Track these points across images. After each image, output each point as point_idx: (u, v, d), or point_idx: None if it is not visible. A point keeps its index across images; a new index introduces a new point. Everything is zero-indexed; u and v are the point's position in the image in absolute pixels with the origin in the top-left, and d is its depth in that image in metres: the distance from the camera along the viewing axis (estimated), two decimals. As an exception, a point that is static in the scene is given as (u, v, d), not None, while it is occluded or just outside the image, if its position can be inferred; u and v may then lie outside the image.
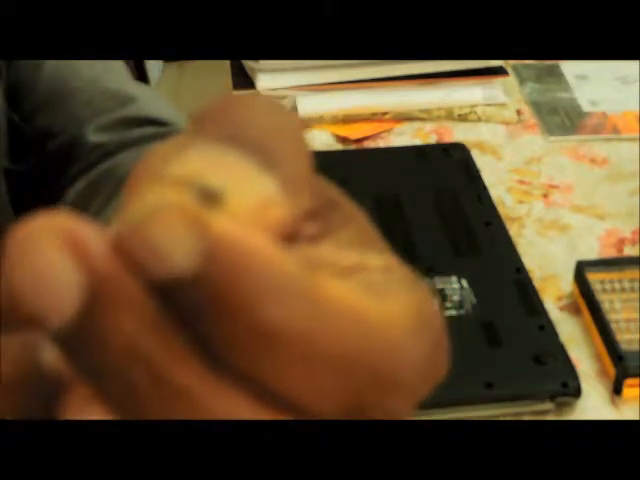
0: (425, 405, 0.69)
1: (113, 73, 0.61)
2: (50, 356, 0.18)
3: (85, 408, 0.17)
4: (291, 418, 0.18)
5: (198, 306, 0.16)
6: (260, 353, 0.16)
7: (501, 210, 0.83)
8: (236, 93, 1.00)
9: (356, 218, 0.23)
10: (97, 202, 0.48)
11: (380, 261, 0.21)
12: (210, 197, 0.17)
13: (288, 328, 0.16)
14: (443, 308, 0.69)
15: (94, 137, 0.55)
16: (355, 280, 0.18)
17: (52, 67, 0.59)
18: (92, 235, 0.16)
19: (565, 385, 0.64)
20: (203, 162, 0.18)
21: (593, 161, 0.93)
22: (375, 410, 0.19)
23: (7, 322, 0.17)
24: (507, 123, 1.00)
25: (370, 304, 0.18)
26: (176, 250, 0.16)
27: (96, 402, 0.17)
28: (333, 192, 0.23)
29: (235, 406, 0.17)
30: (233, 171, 0.18)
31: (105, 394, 0.17)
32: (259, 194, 0.18)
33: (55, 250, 0.16)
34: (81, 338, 0.16)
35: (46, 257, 0.16)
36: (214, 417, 0.17)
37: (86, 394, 0.17)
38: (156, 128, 0.56)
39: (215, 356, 0.17)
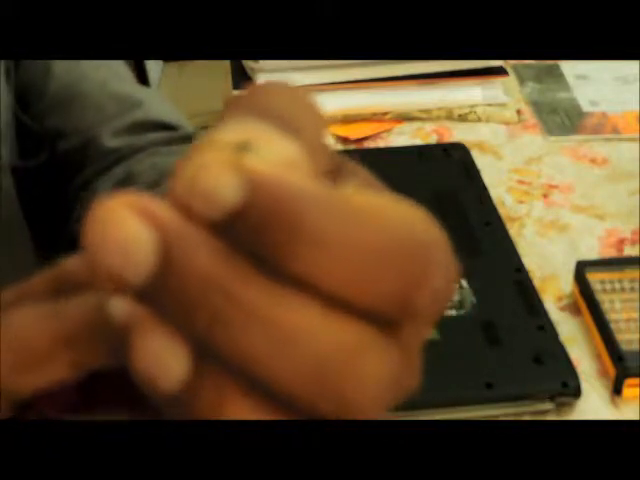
0: (425, 405, 0.69)
1: (119, 77, 0.62)
2: (118, 308, 0.21)
3: (167, 345, 0.20)
4: (348, 316, 0.20)
5: (253, 232, 0.19)
6: (313, 260, 0.19)
7: (501, 210, 0.83)
8: (236, 92, 1.00)
9: (362, 175, 0.26)
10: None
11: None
12: (245, 148, 0.20)
13: (332, 234, 0.19)
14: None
15: (109, 141, 0.57)
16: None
17: (61, 70, 0.60)
18: (156, 201, 0.20)
19: (565, 385, 0.63)
20: (237, 130, 0.21)
21: (593, 161, 0.93)
22: (423, 292, 0.20)
23: (96, 284, 0.20)
24: (507, 123, 1.00)
25: (393, 205, 0.21)
26: (223, 190, 0.19)
27: (177, 338, 0.20)
28: (338, 155, 0.26)
29: (302, 313, 0.19)
30: (263, 135, 0.21)
31: (188, 329, 0.20)
32: (285, 151, 0.21)
33: (130, 219, 0.19)
34: (162, 285, 0.19)
35: (125, 225, 0.19)
36: (286, 328, 0.19)
37: (164, 334, 0.20)
38: (165, 132, 0.58)
39: (276, 272, 0.19)
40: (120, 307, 0.22)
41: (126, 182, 0.51)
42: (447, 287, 0.21)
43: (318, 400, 0.21)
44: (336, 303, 0.20)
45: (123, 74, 0.63)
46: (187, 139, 0.57)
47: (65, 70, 0.60)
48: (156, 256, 0.19)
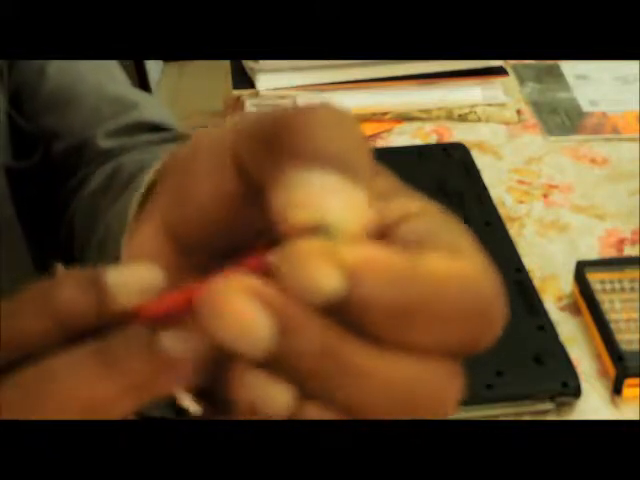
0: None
1: (114, 79, 0.62)
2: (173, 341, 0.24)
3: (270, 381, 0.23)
4: (426, 360, 0.23)
5: (355, 313, 0.22)
6: (408, 328, 0.22)
7: (501, 210, 0.83)
8: (236, 92, 1.00)
9: (380, 171, 0.28)
10: (106, 201, 0.49)
11: (416, 205, 0.26)
12: (332, 233, 0.22)
13: (416, 304, 0.22)
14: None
15: (103, 143, 0.57)
16: (427, 239, 0.24)
17: (56, 71, 0.60)
18: (268, 287, 0.22)
19: (565, 385, 0.63)
20: (312, 195, 0.22)
21: (593, 161, 0.93)
22: (490, 335, 0.25)
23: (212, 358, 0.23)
24: (507, 123, 1.00)
25: (463, 265, 0.23)
26: (325, 283, 0.22)
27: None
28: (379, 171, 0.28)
29: (395, 368, 0.23)
30: (337, 196, 0.23)
31: (304, 390, 0.23)
32: (361, 210, 0.23)
33: (248, 304, 0.22)
34: (275, 358, 0.22)
35: (243, 307, 0.22)
36: (385, 382, 0.23)
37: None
38: (158, 134, 0.57)
39: (374, 338, 0.22)
40: (173, 340, 0.24)
41: (113, 177, 0.50)
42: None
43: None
44: (426, 354, 0.23)
45: (118, 76, 0.63)
46: (178, 139, 0.56)
47: (59, 71, 0.60)
48: (271, 337, 0.22)
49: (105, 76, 0.61)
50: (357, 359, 0.23)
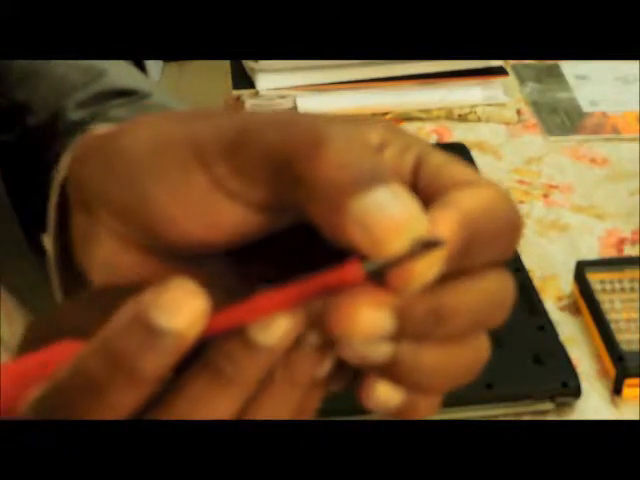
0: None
1: None
2: None
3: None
4: (494, 271, 0.28)
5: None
6: (482, 256, 0.27)
7: (501, 210, 0.83)
8: (236, 92, 1.00)
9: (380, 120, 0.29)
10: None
11: (418, 147, 0.28)
12: (418, 239, 0.25)
13: (482, 236, 0.27)
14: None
15: (74, 114, 0.55)
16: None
17: None
18: (390, 296, 0.25)
19: (565, 385, 0.63)
20: (388, 217, 0.25)
21: (593, 161, 0.93)
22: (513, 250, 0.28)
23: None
24: (507, 123, 1.00)
25: (487, 192, 0.27)
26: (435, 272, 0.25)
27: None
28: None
29: (481, 286, 0.28)
30: (402, 207, 0.25)
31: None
32: (417, 205, 0.25)
33: (378, 313, 0.25)
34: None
35: (375, 319, 0.25)
36: (483, 294, 0.28)
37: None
38: (127, 98, 0.55)
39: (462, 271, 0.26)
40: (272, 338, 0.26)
41: None
42: None
43: None
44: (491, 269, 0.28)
45: None
46: (144, 98, 0.55)
47: None
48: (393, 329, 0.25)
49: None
50: (454, 299, 0.26)
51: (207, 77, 2.06)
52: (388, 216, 0.24)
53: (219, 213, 0.27)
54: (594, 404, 0.65)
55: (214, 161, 0.26)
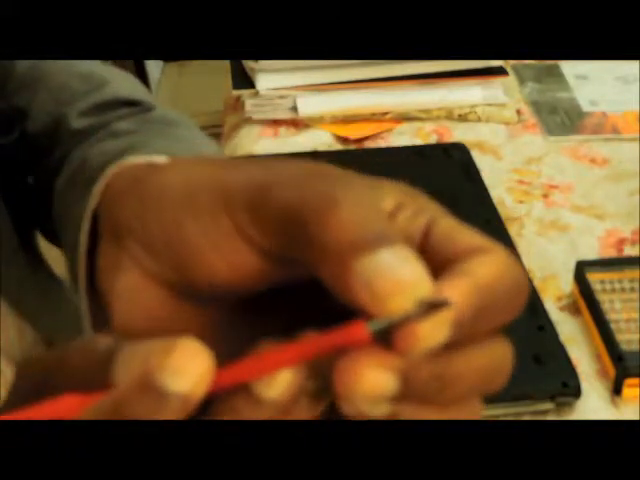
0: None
1: None
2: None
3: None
4: (495, 342, 0.30)
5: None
6: (485, 326, 0.29)
7: (501, 210, 0.83)
8: (236, 92, 1.00)
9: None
10: (74, 196, 0.47)
11: (429, 212, 0.29)
12: (422, 299, 0.26)
13: (488, 306, 0.28)
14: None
15: (76, 122, 0.56)
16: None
17: None
18: (393, 358, 0.26)
19: (565, 385, 0.63)
20: (395, 278, 0.26)
21: (593, 161, 0.93)
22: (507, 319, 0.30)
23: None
24: (507, 123, 1.00)
25: (496, 258, 0.29)
26: (441, 338, 0.26)
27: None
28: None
29: (481, 356, 0.29)
30: (407, 268, 0.26)
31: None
32: (422, 268, 0.26)
33: (381, 374, 0.25)
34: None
35: (378, 381, 0.25)
36: (477, 369, 0.29)
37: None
38: (128, 109, 0.56)
39: (464, 342, 0.28)
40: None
41: (79, 169, 0.49)
42: None
43: None
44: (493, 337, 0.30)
45: None
46: (146, 111, 0.56)
47: None
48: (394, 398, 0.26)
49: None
50: (458, 367, 0.27)
51: (207, 77, 2.07)
52: (392, 275, 0.25)
53: (239, 256, 0.28)
54: (594, 404, 0.65)
55: (238, 209, 0.28)
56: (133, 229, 0.31)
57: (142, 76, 1.52)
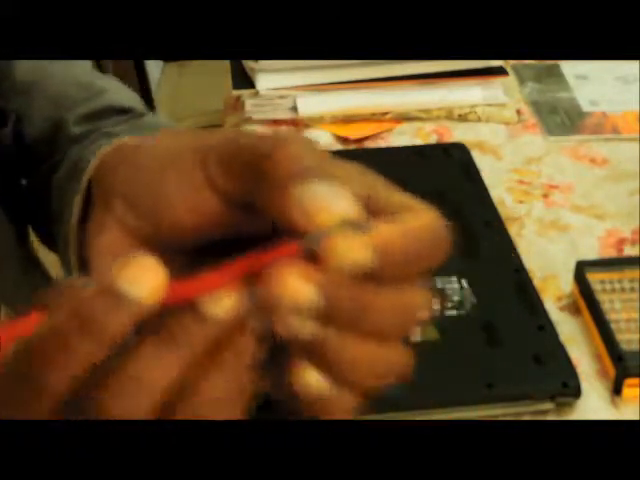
0: (425, 405, 0.69)
1: (80, 65, 0.63)
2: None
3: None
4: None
5: (375, 270, 0.31)
6: (411, 268, 0.33)
7: (501, 210, 0.83)
8: (236, 92, 1.00)
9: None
10: (71, 191, 0.49)
11: (367, 181, 0.34)
12: (349, 225, 0.30)
13: (416, 251, 0.33)
14: (443, 308, 0.69)
15: (75, 128, 0.58)
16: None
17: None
18: (312, 268, 0.29)
19: (565, 385, 0.63)
20: (327, 201, 0.31)
21: (593, 161, 0.93)
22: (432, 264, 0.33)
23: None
24: (507, 123, 1.00)
25: (423, 215, 0.33)
26: (365, 258, 0.30)
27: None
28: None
29: (402, 295, 0.33)
30: (340, 198, 0.30)
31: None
32: (354, 204, 0.31)
33: (302, 285, 0.29)
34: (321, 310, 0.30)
35: (301, 288, 0.29)
36: (396, 304, 0.32)
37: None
38: (124, 116, 0.58)
39: (390, 280, 0.32)
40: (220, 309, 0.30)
41: (76, 166, 0.50)
42: None
43: None
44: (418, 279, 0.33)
45: (83, 62, 0.64)
46: (139, 117, 0.59)
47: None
48: (318, 305, 0.29)
49: (72, 62, 0.62)
50: (379, 299, 0.30)
51: (207, 77, 2.06)
52: (322, 198, 0.30)
53: (207, 204, 0.34)
54: (594, 404, 0.65)
55: (211, 163, 0.33)
56: (121, 190, 0.36)
57: (142, 76, 1.51)
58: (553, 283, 0.77)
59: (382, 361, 0.31)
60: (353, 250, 0.29)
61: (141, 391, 0.29)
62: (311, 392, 0.29)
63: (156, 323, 0.29)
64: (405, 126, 0.99)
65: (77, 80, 0.61)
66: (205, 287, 0.29)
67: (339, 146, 0.96)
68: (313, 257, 0.29)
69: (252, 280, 0.29)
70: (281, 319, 0.29)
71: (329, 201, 0.30)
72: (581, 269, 0.73)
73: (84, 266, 0.40)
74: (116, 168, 0.37)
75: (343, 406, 0.29)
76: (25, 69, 0.60)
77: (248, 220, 0.34)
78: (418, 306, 0.32)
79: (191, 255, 0.35)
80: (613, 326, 0.67)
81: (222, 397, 0.29)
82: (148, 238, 0.35)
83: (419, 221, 0.33)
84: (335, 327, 0.30)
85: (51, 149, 0.57)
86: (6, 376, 0.28)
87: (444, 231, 0.33)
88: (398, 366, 0.31)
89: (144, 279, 0.28)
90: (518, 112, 1.01)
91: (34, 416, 0.28)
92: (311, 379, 0.30)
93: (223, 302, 0.29)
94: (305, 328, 0.29)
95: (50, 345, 0.28)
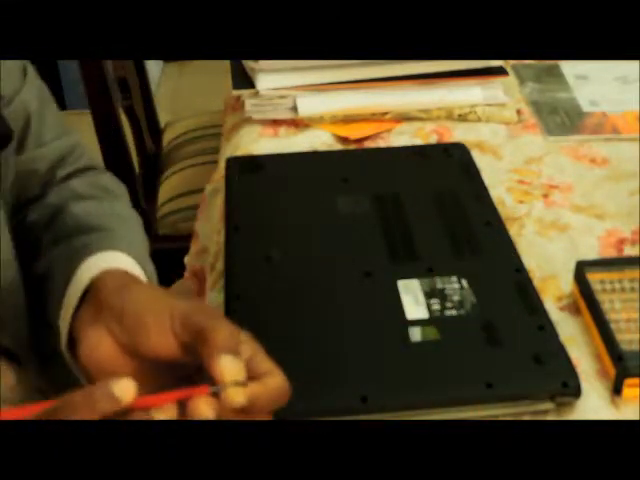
0: (425, 405, 0.69)
1: (68, 129, 0.76)
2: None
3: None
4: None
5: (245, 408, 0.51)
6: (261, 410, 0.52)
7: (501, 210, 0.83)
8: (236, 92, 1.00)
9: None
10: (48, 236, 0.69)
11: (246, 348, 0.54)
12: (239, 382, 0.51)
13: (267, 401, 0.52)
14: (443, 308, 0.69)
15: (57, 185, 0.73)
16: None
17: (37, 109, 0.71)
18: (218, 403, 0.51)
19: (565, 385, 0.63)
20: (231, 369, 0.51)
21: (593, 161, 0.93)
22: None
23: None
24: (507, 123, 1.00)
25: (276, 378, 0.52)
26: (241, 401, 0.50)
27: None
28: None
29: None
30: (238, 367, 0.52)
31: None
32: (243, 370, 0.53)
33: (211, 411, 0.51)
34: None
35: (210, 414, 0.51)
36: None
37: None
38: (87, 172, 0.75)
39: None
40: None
41: (55, 217, 0.70)
42: None
43: None
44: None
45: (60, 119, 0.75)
46: (100, 173, 0.76)
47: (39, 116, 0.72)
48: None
49: (62, 125, 0.75)
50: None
51: (207, 77, 2.06)
52: (230, 367, 0.50)
53: (170, 344, 0.54)
54: (594, 404, 0.65)
55: (176, 321, 0.54)
56: (115, 312, 0.56)
57: (142, 76, 1.51)
58: (553, 283, 0.77)
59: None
60: (237, 396, 0.49)
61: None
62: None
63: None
64: (405, 126, 0.99)
65: (70, 142, 0.75)
66: (155, 402, 0.49)
67: (339, 146, 0.96)
68: (216, 396, 0.50)
69: (183, 401, 0.50)
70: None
71: (231, 370, 0.50)
72: (581, 269, 0.73)
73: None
74: (111, 293, 0.57)
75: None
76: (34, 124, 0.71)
77: (192, 356, 0.53)
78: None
79: (155, 363, 0.55)
80: (613, 326, 0.68)
81: None
82: (127, 347, 0.55)
83: (274, 380, 0.51)
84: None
85: (45, 193, 0.73)
86: None
87: (287, 389, 0.51)
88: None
89: (123, 389, 0.47)
90: (518, 112, 1.01)
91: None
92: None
93: (164, 411, 0.49)
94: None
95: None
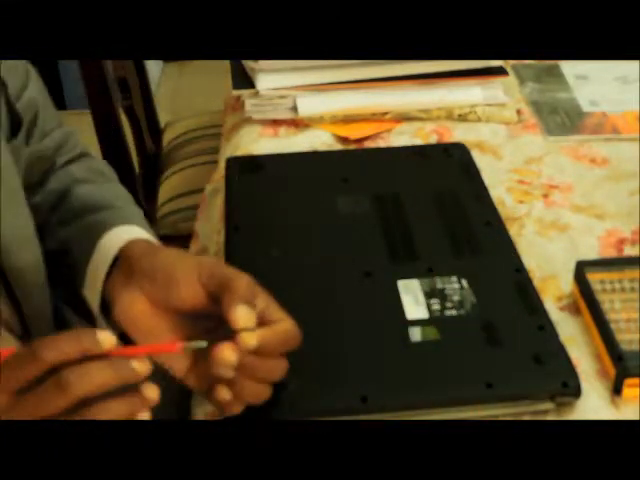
0: (425, 405, 0.69)
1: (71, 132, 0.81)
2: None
3: None
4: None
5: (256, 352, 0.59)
6: (275, 352, 0.60)
7: (501, 210, 0.83)
8: (236, 92, 1.00)
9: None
10: (54, 217, 0.73)
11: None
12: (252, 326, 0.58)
13: (279, 344, 0.60)
14: (443, 308, 0.69)
15: (58, 171, 0.77)
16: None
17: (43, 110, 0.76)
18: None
19: (565, 385, 0.63)
20: (245, 316, 0.58)
21: (593, 161, 0.93)
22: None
23: None
24: (507, 123, 1.00)
25: (285, 322, 0.60)
26: (254, 343, 0.58)
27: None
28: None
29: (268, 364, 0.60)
30: (250, 312, 0.58)
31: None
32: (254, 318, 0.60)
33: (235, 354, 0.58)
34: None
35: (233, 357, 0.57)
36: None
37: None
38: (80, 158, 0.81)
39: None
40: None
41: (62, 199, 0.75)
42: None
43: None
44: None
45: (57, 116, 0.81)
46: (90, 159, 0.82)
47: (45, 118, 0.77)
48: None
49: (57, 115, 0.80)
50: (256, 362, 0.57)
51: (207, 77, 2.06)
52: (244, 313, 0.56)
53: (199, 295, 0.59)
54: (594, 404, 0.65)
55: (203, 275, 0.59)
56: (148, 274, 0.61)
57: (142, 76, 1.51)
58: (553, 283, 0.77)
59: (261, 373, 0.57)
60: (250, 341, 0.55)
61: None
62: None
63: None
64: (405, 126, 0.99)
65: (67, 131, 0.80)
66: (131, 352, 0.52)
67: (339, 146, 0.96)
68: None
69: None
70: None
71: (244, 315, 0.56)
72: (581, 269, 0.73)
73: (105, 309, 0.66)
74: (140, 259, 0.63)
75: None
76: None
77: (216, 306, 0.58)
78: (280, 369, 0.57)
79: (185, 316, 0.61)
80: (613, 326, 0.67)
81: None
82: (161, 304, 0.60)
83: (284, 326, 0.57)
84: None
85: (45, 175, 0.77)
86: None
87: (296, 332, 0.58)
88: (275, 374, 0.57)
89: (107, 339, 0.52)
90: (518, 112, 1.01)
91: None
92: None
93: (139, 361, 0.51)
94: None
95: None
